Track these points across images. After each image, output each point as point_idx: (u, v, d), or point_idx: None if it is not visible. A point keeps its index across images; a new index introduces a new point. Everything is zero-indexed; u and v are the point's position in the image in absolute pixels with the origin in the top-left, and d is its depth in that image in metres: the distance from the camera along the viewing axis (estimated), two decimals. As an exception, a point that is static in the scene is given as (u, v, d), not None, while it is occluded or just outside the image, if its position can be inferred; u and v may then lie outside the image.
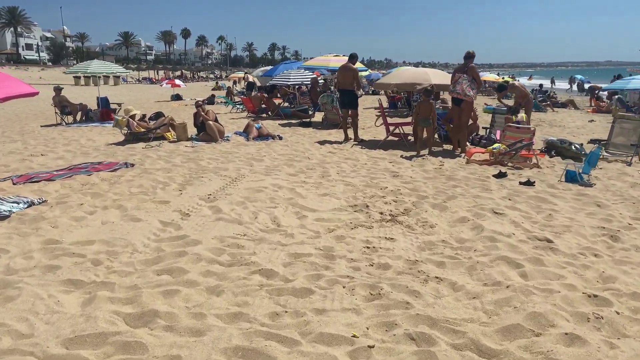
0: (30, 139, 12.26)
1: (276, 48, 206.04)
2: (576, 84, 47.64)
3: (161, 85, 35.32)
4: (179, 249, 4.58)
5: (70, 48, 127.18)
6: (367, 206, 6.18)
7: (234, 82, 43.38)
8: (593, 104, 25.81)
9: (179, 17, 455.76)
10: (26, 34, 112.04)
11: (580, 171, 7.95)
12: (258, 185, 7.17)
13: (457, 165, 9.14)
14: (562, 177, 8.02)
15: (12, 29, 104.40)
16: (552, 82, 53.74)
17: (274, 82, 18.90)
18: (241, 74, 39.98)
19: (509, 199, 6.69)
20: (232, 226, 5.30)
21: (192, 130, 12.80)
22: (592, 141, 12.15)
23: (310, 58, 29.02)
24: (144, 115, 12.96)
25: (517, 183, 7.68)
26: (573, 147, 10.14)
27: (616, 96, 21.70)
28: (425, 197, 6.70)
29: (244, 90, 29.27)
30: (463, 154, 10.20)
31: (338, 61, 15.59)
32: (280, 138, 12.41)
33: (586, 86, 42.25)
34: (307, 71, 18.26)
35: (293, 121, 16.85)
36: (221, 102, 25.41)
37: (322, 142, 11.83)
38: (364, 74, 22.87)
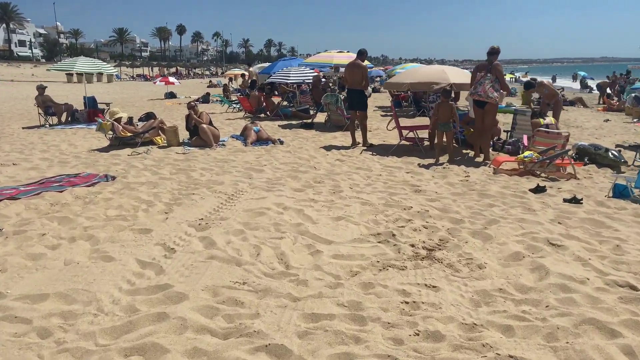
0: (5, 144, 11.09)
1: (272, 44, 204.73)
2: (579, 80, 46.62)
3: (154, 83, 34.03)
4: (159, 309, 3.45)
5: (64, 44, 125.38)
6: (394, 235, 5.07)
7: (230, 80, 42.14)
8: (604, 102, 24.84)
9: (174, 13, 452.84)
10: (19, 31, 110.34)
11: (633, 185, 6.85)
12: (259, 206, 6.04)
13: (485, 176, 8.04)
14: (610, 192, 6.92)
15: (4, 25, 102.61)
16: (553, 79, 52.46)
17: (273, 79, 17.75)
18: (239, 71, 38.72)
19: (559, 223, 5.58)
20: (228, 269, 4.17)
21: (184, 134, 11.66)
22: (620, 145, 11.06)
23: (308, 55, 27.94)
24: (131, 119, 11.78)
25: (560, 200, 6.57)
26: (610, 153, 9.03)
27: (633, 94, 20.66)
28: (460, 220, 5.59)
29: (241, 88, 28.10)
30: (488, 162, 9.11)
31: (342, 57, 14.45)
32: (281, 142, 11.29)
33: (590, 83, 41.27)
34: (307, 68, 17.11)
35: (293, 122, 15.71)
36: (216, 100, 24.23)
37: (327, 148, 10.70)
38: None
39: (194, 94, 32.21)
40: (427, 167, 8.76)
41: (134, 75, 71.35)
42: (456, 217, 5.69)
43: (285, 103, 22.14)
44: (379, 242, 4.89)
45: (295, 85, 18.51)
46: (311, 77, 16.34)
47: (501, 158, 8.70)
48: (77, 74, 48.81)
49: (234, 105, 19.82)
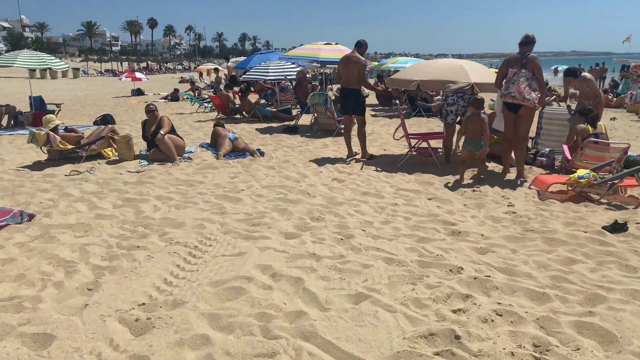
0: None
1: (247, 38, 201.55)
2: (562, 75, 45.31)
3: (120, 79, 31.49)
4: None
5: (29, 39, 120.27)
6: (457, 337, 3.09)
7: (201, 75, 39.75)
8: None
9: (145, 6, 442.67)
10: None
11: None
12: (235, 273, 3.99)
13: (532, 204, 6.13)
14: None
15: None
16: (555, 72, 50.41)
17: (249, 76, 15.63)
18: (211, 65, 36.34)
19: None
20: None
21: (142, 145, 9.51)
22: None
23: (284, 49, 25.98)
24: (70, 130, 9.52)
25: (657, 245, 4.69)
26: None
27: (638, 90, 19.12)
28: (543, 296, 3.63)
29: (215, 84, 25.83)
30: (522, 180, 7.26)
31: (331, 51, 12.41)
32: (262, 154, 9.23)
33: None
34: (289, 63, 15.02)
35: (274, 125, 13.62)
36: (186, 98, 21.97)
37: (319, 161, 8.67)
38: (395, 65, 19.64)
39: (164, 90, 29.79)
40: (451, 188, 6.82)
41: (102, 71, 68.16)
42: (536, 290, 3.73)
43: (263, 101, 20.08)
44: (437, 355, 2.91)
45: (274, 82, 16.38)
46: (294, 73, 14.26)
47: (547, 178, 6.79)
48: (39, 69, 45.88)
49: (205, 105, 17.61)
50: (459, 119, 8.27)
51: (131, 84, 31.17)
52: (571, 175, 6.49)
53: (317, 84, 23.00)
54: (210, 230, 5.02)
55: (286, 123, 13.59)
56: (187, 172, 7.78)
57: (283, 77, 14.71)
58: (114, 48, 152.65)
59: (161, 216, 5.51)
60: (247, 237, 4.84)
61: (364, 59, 8.55)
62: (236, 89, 16.72)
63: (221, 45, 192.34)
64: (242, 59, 26.94)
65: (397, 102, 8.31)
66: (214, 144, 9.77)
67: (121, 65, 75.03)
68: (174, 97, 22.92)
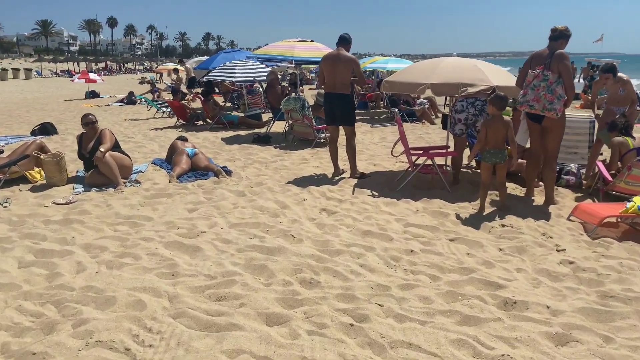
0: None
1: (211, 38, 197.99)
2: None
3: (72, 81, 29.03)
4: None
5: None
6: None
7: (160, 75, 37.51)
8: (581, 99, 22.55)
9: (105, 5, 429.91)
10: None
11: None
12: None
13: (586, 246, 4.69)
14: None
15: None
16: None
17: (212, 77, 13.86)
18: (172, 65, 34.18)
19: None
20: None
21: (79, 164, 7.74)
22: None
23: (248, 49, 24.33)
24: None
25: None
26: None
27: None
28: None
29: (176, 86, 23.89)
30: (551, 204, 5.87)
31: (307, 49, 10.80)
32: (228, 173, 7.56)
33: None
34: (257, 62, 13.34)
35: (242, 133, 11.93)
36: (143, 102, 20.02)
37: (300, 182, 7.06)
38: (374, 65, 17.95)
39: (122, 92, 27.57)
40: (473, 222, 5.32)
41: (58, 72, 64.75)
42: None
43: (229, 104, 18.33)
44: None
45: (241, 84, 14.66)
46: (264, 74, 12.59)
47: (594, 209, 5.34)
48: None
49: (163, 110, 15.75)
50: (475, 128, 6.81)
51: (85, 86, 28.81)
52: (628, 205, 5.07)
53: (287, 85, 21.38)
54: (152, 313, 3.35)
55: (256, 131, 11.92)
56: (131, 202, 6.05)
57: (252, 79, 13.02)
58: (72, 48, 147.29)
59: (84, 284, 3.81)
60: (208, 326, 3.20)
61: (352, 56, 7.00)
62: (197, 90, 14.94)
63: (184, 45, 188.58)
64: (204, 58, 25.04)
65: (397, 110, 6.65)
66: (170, 160, 8.06)
67: (78, 66, 71.36)
68: (130, 100, 20.91)
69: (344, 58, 6.91)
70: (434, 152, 6.80)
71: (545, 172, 6.01)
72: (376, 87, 18.89)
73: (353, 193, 6.50)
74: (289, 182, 7.04)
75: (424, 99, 15.60)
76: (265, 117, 14.31)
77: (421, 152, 6.86)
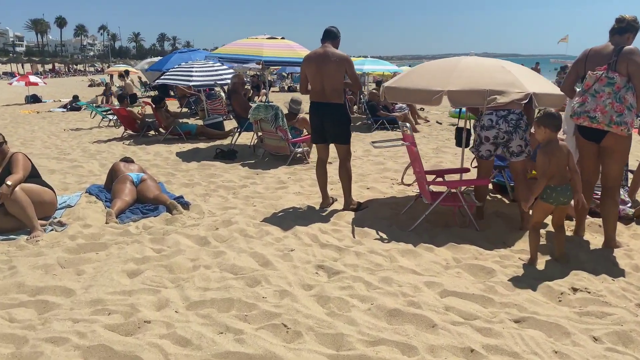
0: None
1: (166, 38, 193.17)
2: None
3: (10, 84, 26.33)
4: None
5: None
6: None
7: (111, 77, 35.00)
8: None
9: (53, 4, 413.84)
10: None
11: None
12: None
13: None
14: None
15: None
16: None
17: (165, 80, 12.02)
18: (124, 67, 31.77)
19: None
20: None
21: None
22: None
23: (205, 50, 22.82)
24: None
25: None
26: None
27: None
28: None
29: (123, 90, 21.75)
30: (613, 248, 4.46)
31: (277, 47, 9.16)
32: (186, 205, 5.84)
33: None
34: (218, 64, 11.59)
35: (201, 146, 10.18)
36: (84, 108, 17.89)
37: (281, 219, 5.40)
38: None
39: (68, 95, 25.06)
40: (532, 285, 3.80)
41: (0, 74, 60.73)
42: None
43: (185, 110, 16.46)
44: None
45: (201, 89, 12.84)
46: (228, 77, 10.84)
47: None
48: None
49: (109, 117, 13.75)
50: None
51: (26, 90, 26.17)
52: None
53: (249, 87, 19.61)
54: None
55: (218, 143, 10.19)
56: (47, 260, 4.26)
57: (213, 83, 11.24)
58: (18, 49, 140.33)
59: None
60: None
61: (344, 55, 5.40)
62: (150, 94, 13.06)
63: (138, 46, 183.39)
64: (156, 59, 22.95)
65: (408, 125, 5.04)
66: (110, 187, 6.28)
67: (23, 68, 67.16)
68: (74, 106, 18.71)
69: (334, 57, 5.32)
70: (461, 181, 5.25)
71: (606, 205, 4.58)
72: (348, 90, 17.39)
73: (354, 236, 4.90)
74: (266, 219, 5.38)
75: (402, 103, 14.18)
76: (228, 125, 12.57)
77: (444, 180, 5.31)
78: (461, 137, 5.99)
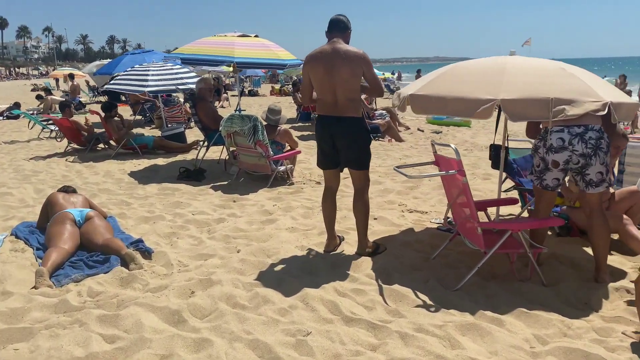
0: None
1: (115, 41, 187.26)
2: None
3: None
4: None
5: None
6: None
7: (57, 81, 32.53)
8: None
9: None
10: None
11: None
12: None
13: None
14: None
15: None
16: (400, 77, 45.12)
17: (114, 86, 10.39)
18: (67, 70, 29.43)
19: None
20: None
21: None
22: None
23: (167, 52, 21.28)
24: None
25: None
26: None
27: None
28: None
29: (71, 95, 19.77)
30: None
31: (251, 46, 7.76)
32: (148, 254, 4.38)
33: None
34: (178, 65, 10.07)
35: (160, 163, 8.66)
36: (22, 117, 15.86)
37: (280, 275, 4.02)
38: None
39: (9, 100, 22.61)
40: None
41: None
42: None
43: (139, 117, 14.77)
44: None
45: (158, 95, 11.24)
46: (191, 81, 9.32)
47: None
48: None
49: (50, 128, 11.94)
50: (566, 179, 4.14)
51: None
52: None
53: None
54: None
55: (180, 158, 8.69)
56: None
57: (173, 88, 9.69)
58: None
59: None
60: None
61: (360, 52, 4.08)
62: (99, 99, 11.40)
63: (87, 49, 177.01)
64: (105, 62, 20.98)
65: (453, 146, 3.74)
66: (44, 226, 4.75)
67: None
68: (11, 114, 16.63)
69: (347, 56, 4.00)
70: (530, 222, 4.00)
71: None
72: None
73: (386, 301, 3.57)
74: (259, 277, 3.98)
75: (382, 109, 12.98)
76: (190, 135, 11.05)
77: (502, 221, 4.03)
78: (499, 157, 4.77)
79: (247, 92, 29.32)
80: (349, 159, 4.17)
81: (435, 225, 5.26)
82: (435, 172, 4.29)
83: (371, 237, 4.75)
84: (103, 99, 20.58)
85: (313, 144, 11.00)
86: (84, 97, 21.97)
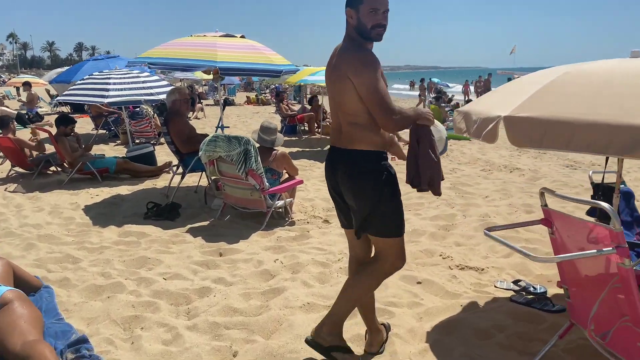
0: None
1: (84, 48, 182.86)
2: (433, 89, 41.37)
3: None
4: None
5: None
6: None
7: (18, 90, 30.20)
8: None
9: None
10: None
11: None
12: None
13: None
14: None
15: None
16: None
17: (70, 96, 8.69)
18: (23, 78, 27.29)
19: None
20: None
21: None
22: None
23: (136, 58, 19.42)
24: None
25: None
26: None
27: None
28: None
29: (27, 106, 17.82)
30: None
31: (239, 49, 6.20)
32: (93, 368, 2.76)
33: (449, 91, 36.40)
34: (145, 73, 8.42)
35: (124, 192, 6.99)
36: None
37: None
38: (311, 79, 12.25)
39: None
40: None
41: None
42: None
43: (103, 132, 13.04)
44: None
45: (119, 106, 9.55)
46: (161, 92, 7.69)
47: None
48: None
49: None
50: None
51: None
52: None
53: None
54: None
55: (150, 185, 7.05)
56: None
57: (140, 99, 8.02)
58: None
59: None
60: None
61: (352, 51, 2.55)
62: (59, 109, 9.72)
63: (53, 56, 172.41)
64: (63, 69, 19.04)
65: (606, 208, 2.23)
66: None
67: None
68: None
69: (337, 60, 2.57)
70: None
71: None
72: (307, 104, 14.60)
73: None
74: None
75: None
76: (160, 153, 9.38)
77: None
78: (610, 203, 3.31)
79: (222, 102, 27.62)
80: (360, 218, 2.63)
81: (505, 293, 3.78)
82: (545, 232, 2.79)
83: (426, 318, 3.25)
84: (66, 109, 18.70)
85: (305, 162, 9.46)
86: (44, 107, 19.98)
